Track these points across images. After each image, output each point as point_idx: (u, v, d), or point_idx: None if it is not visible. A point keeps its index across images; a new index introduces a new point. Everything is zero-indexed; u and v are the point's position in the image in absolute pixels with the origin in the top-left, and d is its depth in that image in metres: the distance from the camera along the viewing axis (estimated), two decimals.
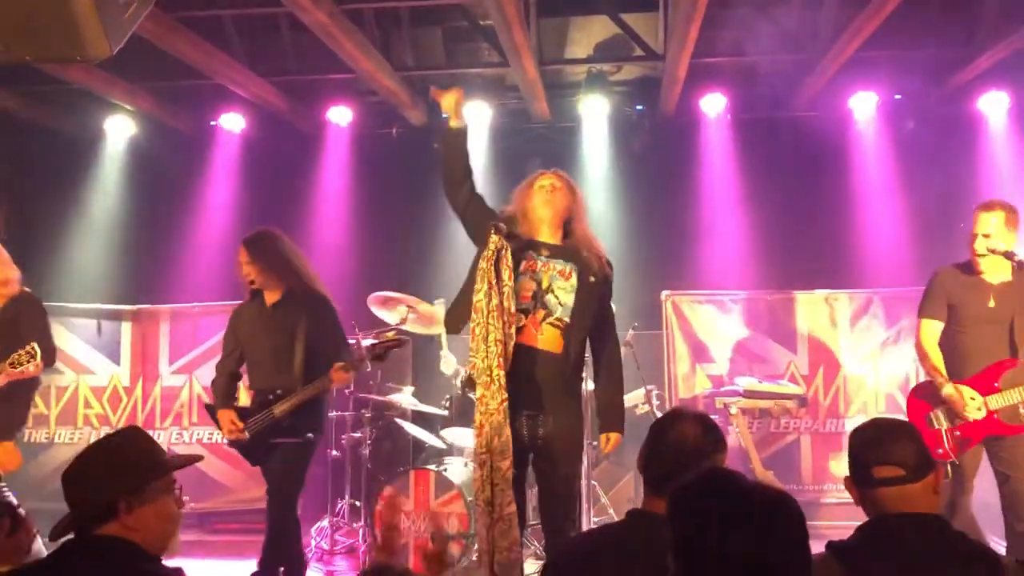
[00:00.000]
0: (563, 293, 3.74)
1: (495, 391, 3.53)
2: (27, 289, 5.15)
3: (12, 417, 4.92)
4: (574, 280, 3.76)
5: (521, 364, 3.63)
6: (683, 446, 2.28)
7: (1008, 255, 4.21)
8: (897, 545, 2.05)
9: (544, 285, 3.74)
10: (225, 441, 4.67)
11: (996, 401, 4.17)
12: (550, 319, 3.72)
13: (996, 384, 4.18)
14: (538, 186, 3.90)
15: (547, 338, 3.71)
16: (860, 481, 2.17)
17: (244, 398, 4.86)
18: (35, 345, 4.63)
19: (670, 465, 2.25)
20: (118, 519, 2.04)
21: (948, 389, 4.22)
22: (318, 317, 4.57)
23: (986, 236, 4.21)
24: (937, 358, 4.32)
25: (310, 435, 4.42)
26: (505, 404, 3.52)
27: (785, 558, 1.55)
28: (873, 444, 2.17)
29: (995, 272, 4.27)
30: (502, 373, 3.54)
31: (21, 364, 4.60)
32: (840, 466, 6.54)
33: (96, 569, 1.99)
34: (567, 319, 3.72)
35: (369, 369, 4.75)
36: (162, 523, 2.12)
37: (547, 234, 3.86)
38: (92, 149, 7.48)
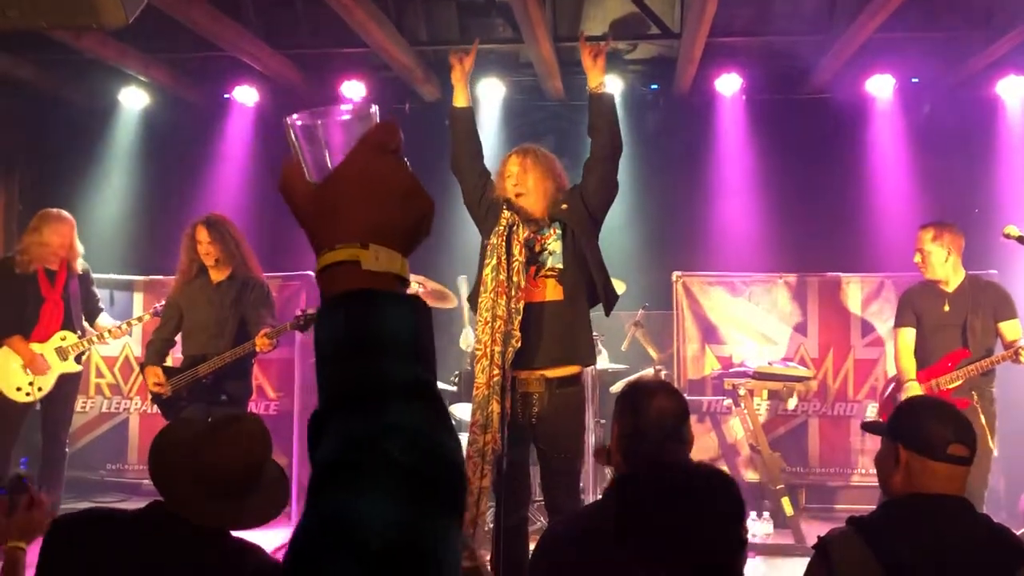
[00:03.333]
0: (552, 245, 3.86)
1: (486, 365, 3.59)
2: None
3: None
4: (559, 231, 3.87)
5: (529, 322, 3.71)
6: (663, 420, 2.33)
7: None
8: (929, 524, 2.08)
9: (536, 249, 3.86)
10: (149, 397, 5.30)
11: (947, 380, 4.82)
12: (543, 271, 3.83)
13: (949, 364, 4.85)
14: (506, 175, 3.93)
15: (546, 290, 3.82)
16: (926, 452, 2.17)
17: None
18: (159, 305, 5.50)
19: (654, 441, 2.29)
20: None
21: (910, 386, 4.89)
22: (255, 300, 5.16)
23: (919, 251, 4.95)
24: (907, 360, 5.01)
25: (224, 397, 5.05)
26: (496, 380, 3.56)
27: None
28: (950, 421, 2.21)
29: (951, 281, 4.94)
30: (497, 349, 3.57)
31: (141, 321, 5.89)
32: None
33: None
34: (559, 265, 3.83)
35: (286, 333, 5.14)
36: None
37: (533, 212, 3.89)
38: (106, 120, 7.49)
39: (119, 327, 5.70)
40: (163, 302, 5.44)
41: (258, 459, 2.09)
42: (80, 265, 5.73)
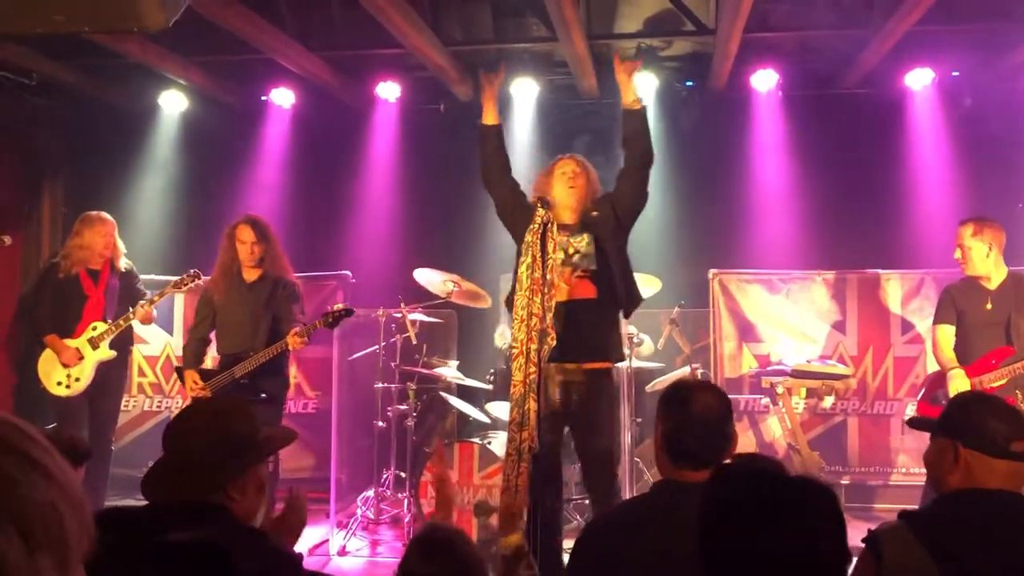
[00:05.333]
0: (583, 247, 4.21)
1: (521, 363, 3.62)
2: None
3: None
4: (589, 236, 4.23)
5: (561, 319, 3.93)
6: (708, 416, 2.31)
7: None
8: (985, 520, 2.05)
9: (569, 252, 4.19)
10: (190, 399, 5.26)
11: (991, 379, 4.70)
12: (577, 272, 4.16)
13: (993, 362, 4.74)
14: (559, 172, 4.26)
15: (579, 288, 4.14)
16: (986, 448, 2.14)
17: (209, 363, 5.55)
18: (197, 271, 5.54)
19: (699, 437, 2.28)
20: (226, 491, 2.08)
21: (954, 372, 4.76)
22: (286, 297, 5.25)
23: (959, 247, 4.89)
24: (948, 353, 4.90)
25: (264, 395, 5.07)
26: (532, 378, 3.60)
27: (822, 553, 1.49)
28: (1009, 416, 2.19)
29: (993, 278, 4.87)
30: (533, 347, 3.61)
31: (187, 284, 5.57)
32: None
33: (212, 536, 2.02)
34: (592, 267, 4.17)
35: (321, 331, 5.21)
36: (258, 493, 2.17)
37: (567, 217, 4.21)
38: (147, 123, 7.60)
39: (145, 303, 5.59)
40: (193, 270, 5.56)
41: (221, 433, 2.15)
42: (124, 263, 5.84)
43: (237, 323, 5.26)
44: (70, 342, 5.54)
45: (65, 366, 5.50)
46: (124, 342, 5.81)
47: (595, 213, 4.24)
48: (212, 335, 5.43)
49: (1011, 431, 2.15)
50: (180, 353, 7.18)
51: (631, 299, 4.31)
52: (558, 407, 4.09)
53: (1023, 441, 2.14)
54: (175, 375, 7.13)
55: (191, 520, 1.96)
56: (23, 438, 0.87)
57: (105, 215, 5.77)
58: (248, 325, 5.22)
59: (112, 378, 5.72)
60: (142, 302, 5.60)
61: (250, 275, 5.32)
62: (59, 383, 5.51)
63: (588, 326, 4.10)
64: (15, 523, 0.82)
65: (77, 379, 5.52)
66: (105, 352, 5.58)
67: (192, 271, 5.55)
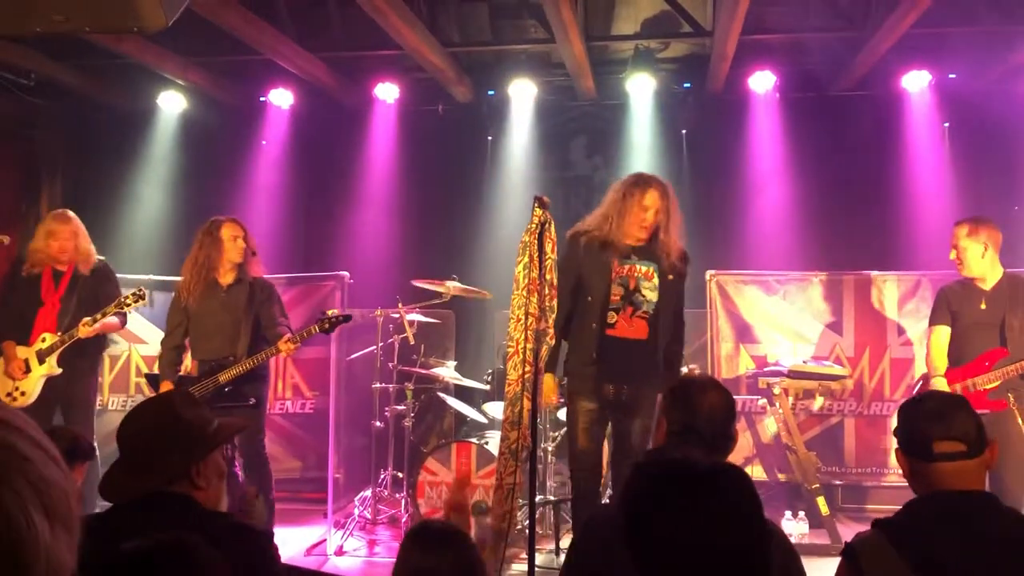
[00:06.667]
0: (648, 291, 4.36)
1: (517, 363, 3.63)
2: (102, 258, 5.57)
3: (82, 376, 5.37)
4: (656, 280, 4.37)
5: (612, 352, 4.27)
6: (714, 416, 2.34)
7: None
8: (954, 522, 2.02)
9: (631, 287, 4.34)
10: None
11: (984, 381, 4.70)
12: (638, 313, 4.34)
13: (986, 364, 4.72)
14: (644, 204, 4.33)
15: (636, 328, 4.33)
16: (917, 454, 2.13)
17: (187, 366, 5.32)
18: (143, 289, 5.23)
19: (706, 435, 2.29)
20: (190, 479, 2.12)
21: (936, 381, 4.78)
22: (267, 302, 5.09)
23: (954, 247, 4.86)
24: (939, 358, 4.88)
25: (252, 400, 4.91)
26: (527, 377, 3.61)
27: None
28: (935, 418, 2.13)
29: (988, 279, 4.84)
30: (529, 347, 3.62)
31: (129, 305, 5.19)
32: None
33: (181, 522, 2.03)
34: (651, 311, 4.36)
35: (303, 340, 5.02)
36: (220, 480, 2.22)
37: (633, 239, 4.36)
38: (145, 123, 7.61)
39: (89, 320, 5.14)
40: (137, 289, 5.21)
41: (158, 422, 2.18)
42: (95, 264, 5.44)
43: (216, 329, 5.00)
44: (22, 351, 5.22)
45: (11, 378, 5.19)
46: (91, 348, 5.39)
47: (669, 259, 4.41)
48: (187, 342, 5.15)
49: (934, 432, 2.11)
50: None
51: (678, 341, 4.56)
52: (608, 404, 4.32)
53: (948, 441, 2.09)
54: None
55: (156, 514, 2.00)
56: (24, 423, 0.89)
57: (68, 215, 5.42)
58: (229, 330, 4.98)
59: (81, 394, 5.39)
60: (86, 319, 5.14)
61: (225, 278, 5.06)
62: (8, 394, 5.17)
63: (629, 364, 4.31)
64: (40, 501, 0.83)
65: (23, 392, 5.19)
66: (50, 367, 5.21)
67: (137, 290, 5.20)
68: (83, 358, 5.35)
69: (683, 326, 4.60)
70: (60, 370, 5.24)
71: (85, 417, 5.39)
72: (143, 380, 7.29)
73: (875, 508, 6.29)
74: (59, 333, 5.23)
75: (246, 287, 5.07)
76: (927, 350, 5.04)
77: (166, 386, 4.94)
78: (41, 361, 5.22)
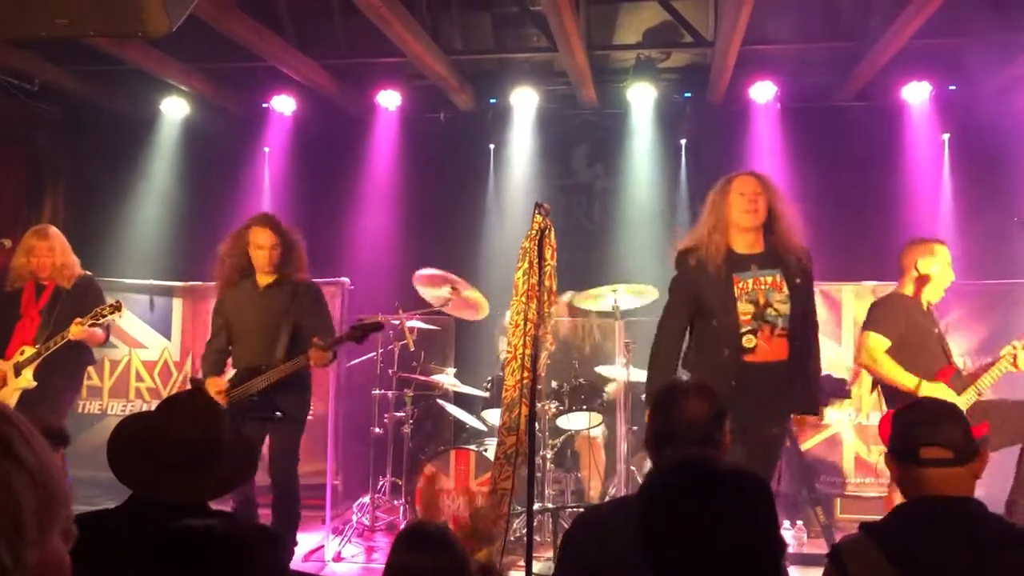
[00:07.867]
0: (780, 305, 3.80)
1: (515, 368, 3.61)
2: (87, 272, 5.47)
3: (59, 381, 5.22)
4: (785, 290, 3.81)
5: (753, 379, 3.70)
6: (695, 422, 2.32)
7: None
8: (941, 528, 2.04)
9: (761, 303, 3.80)
10: None
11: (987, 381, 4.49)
12: (776, 331, 3.79)
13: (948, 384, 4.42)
14: (738, 193, 3.86)
15: (776, 349, 3.78)
16: (905, 459, 2.16)
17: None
18: (119, 301, 5.06)
19: (684, 442, 2.28)
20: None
21: (925, 387, 4.37)
22: (311, 305, 4.73)
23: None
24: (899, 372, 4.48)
25: (278, 413, 4.54)
26: (525, 383, 3.59)
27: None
28: (923, 424, 2.16)
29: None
30: (528, 353, 3.60)
31: (105, 316, 5.03)
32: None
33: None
34: (789, 327, 3.79)
35: (339, 347, 4.77)
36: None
37: (749, 243, 3.87)
38: (148, 129, 7.64)
39: (84, 319, 5.02)
40: (114, 301, 5.09)
41: (215, 431, 2.17)
42: (75, 279, 5.32)
43: (252, 334, 4.69)
44: (1, 364, 5.16)
45: None
46: (70, 363, 5.27)
47: (793, 259, 3.84)
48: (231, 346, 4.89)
49: (922, 437, 2.13)
50: (177, 359, 7.23)
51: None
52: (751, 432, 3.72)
53: (935, 447, 2.11)
54: (173, 379, 7.16)
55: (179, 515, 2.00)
56: (12, 413, 0.91)
57: (44, 230, 5.36)
58: (265, 336, 4.64)
59: (48, 399, 5.17)
60: (79, 319, 5.00)
61: (264, 279, 4.75)
62: None
63: (772, 393, 3.77)
64: (34, 479, 0.86)
65: None
66: (26, 380, 5.10)
67: (114, 302, 5.07)
68: (60, 375, 5.22)
69: (817, 333, 4.03)
70: (36, 383, 5.12)
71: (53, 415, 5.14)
72: (143, 385, 7.31)
73: (874, 518, 6.28)
74: (37, 346, 5.13)
75: (287, 290, 4.71)
76: (879, 366, 4.65)
77: (211, 382, 4.66)
78: (17, 374, 5.14)
